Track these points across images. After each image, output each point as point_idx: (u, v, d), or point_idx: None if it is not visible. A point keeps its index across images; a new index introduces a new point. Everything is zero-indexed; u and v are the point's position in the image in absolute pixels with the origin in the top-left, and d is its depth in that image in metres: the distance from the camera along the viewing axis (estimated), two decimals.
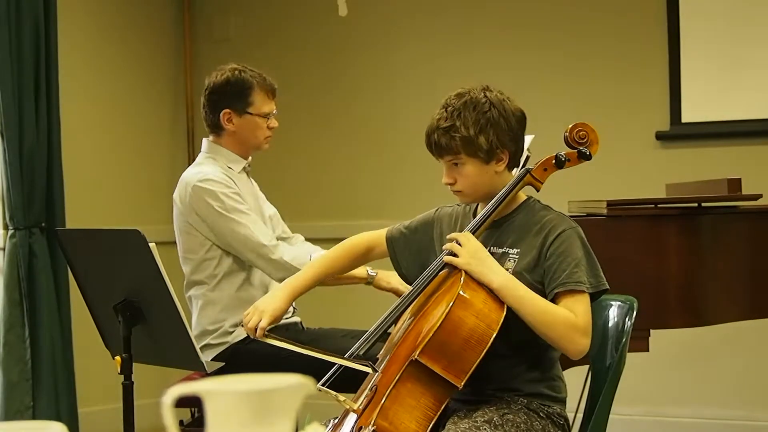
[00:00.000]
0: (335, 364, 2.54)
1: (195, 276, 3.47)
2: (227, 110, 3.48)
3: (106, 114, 5.50)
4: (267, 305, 2.64)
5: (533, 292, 2.44)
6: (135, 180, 5.59)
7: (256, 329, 2.60)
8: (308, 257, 3.36)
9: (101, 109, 5.49)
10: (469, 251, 2.48)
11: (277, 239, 3.53)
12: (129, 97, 5.62)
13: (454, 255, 2.50)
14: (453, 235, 2.54)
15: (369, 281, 3.50)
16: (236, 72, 3.50)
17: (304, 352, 2.53)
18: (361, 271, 3.49)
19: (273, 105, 3.54)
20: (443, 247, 2.55)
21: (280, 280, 3.45)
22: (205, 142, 3.58)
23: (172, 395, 1.15)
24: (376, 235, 2.78)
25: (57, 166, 4.88)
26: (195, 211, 3.40)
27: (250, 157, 3.58)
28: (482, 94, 2.53)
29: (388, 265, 2.85)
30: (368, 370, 2.48)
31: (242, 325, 2.66)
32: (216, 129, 3.53)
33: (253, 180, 3.65)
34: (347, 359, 2.51)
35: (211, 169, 3.45)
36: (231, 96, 3.48)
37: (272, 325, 2.65)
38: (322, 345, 2.79)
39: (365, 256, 2.78)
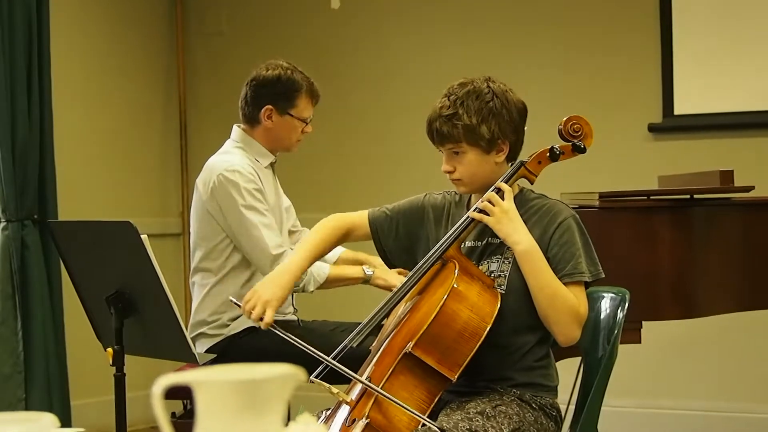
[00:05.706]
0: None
1: (203, 263, 3.45)
2: (270, 106, 3.44)
3: (98, 107, 5.49)
4: (271, 294, 2.56)
5: (551, 269, 2.45)
6: (127, 172, 5.57)
7: (261, 319, 2.54)
8: None
9: (93, 102, 5.47)
10: (503, 209, 2.48)
11: (289, 232, 3.55)
12: (121, 90, 5.60)
13: (485, 213, 2.49)
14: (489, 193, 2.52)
15: (366, 280, 3.49)
16: (288, 71, 3.46)
17: (302, 347, 2.48)
18: (357, 271, 3.48)
19: (312, 111, 3.52)
20: (476, 204, 2.53)
21: None
22: (236, 130, 3.53)
23: (162, 385, 1.15)
24: (356, 217, 2.75)
25: (49, 159, 4.87)
26: (216, 199, 3.37)
27: (277, 154, 3.55)
28: (485, 84, 2.54)
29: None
30: (358, 378, 2.43)
31: (243, 313, 2.59)
32: (251, 121, 3.49)
33: (276, 176, 3.61)
34: (345, 369, 2.45)
35: (238, 160, 3.41)
36: (278, 94, 3.45)
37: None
38: (317, 338, 2.78)
39: (345, 238, 2.75)
